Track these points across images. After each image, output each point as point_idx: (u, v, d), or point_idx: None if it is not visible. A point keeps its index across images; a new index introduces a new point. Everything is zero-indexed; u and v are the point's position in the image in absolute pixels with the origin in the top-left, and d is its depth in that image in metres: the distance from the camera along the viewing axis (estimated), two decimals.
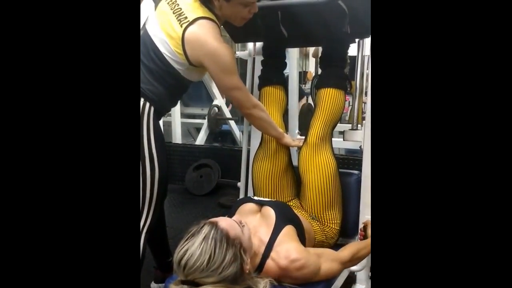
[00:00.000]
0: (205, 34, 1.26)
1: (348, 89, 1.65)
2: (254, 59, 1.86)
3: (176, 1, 1.32)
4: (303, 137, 1.61)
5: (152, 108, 1.33)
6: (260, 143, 1.67)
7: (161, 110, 1.40)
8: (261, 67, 1.76)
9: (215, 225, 0.98)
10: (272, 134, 1.56)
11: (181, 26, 1.26)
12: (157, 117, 1.36)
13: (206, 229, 0.97)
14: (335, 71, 1.61)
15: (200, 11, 1.28)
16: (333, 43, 1.61)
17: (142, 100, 1.31)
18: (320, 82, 1.64)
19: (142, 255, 1.40)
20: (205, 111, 4.06)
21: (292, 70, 2.05)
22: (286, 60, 1.83)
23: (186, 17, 1.27)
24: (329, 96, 1.57)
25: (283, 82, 1.74)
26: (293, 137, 1.62)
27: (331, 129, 1.58)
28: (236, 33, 1.28)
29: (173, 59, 1.30)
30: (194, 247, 0.94)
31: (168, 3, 1.34)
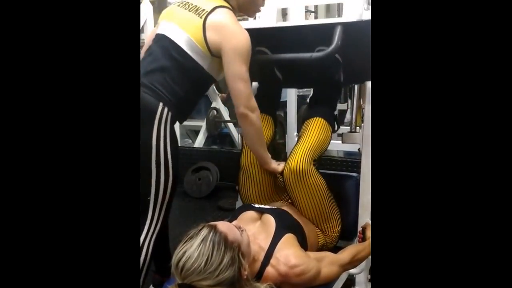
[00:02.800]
0: (226, 18, 1.31)
1: (336, 130, 1.60)
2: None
3: (187, 2, 1.36)
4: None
5: (170, 114, 1.31)
6: (240, 169, 1.55)
7: (178, 117, 1.38)
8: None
9: (213, 228, 0.98)
10: (259, 152, 1.44)
11: (201, 17, 1.30)
12: (172, 122, 1.34)
13: (204, 232, 0.97)
14: (325, 108, 1.57)
15: (216, 1, 1.34)
16: (326, 88, 1.62)
17: (160, 104, 1.29)
18: (308, 114, 1.59)
19: (149, 259, 1.39)
20: None
21: None
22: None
23: (204, 9, 1.32)
24: (317, 125, 1.51)
25: (273, 114, 1.68)
26: (277, 162, 1.49)
27: (314, 159, 1.45)
28: None
29: (197, 54, 1.31)
30: (192, 249, 0.93)
31: (179, 5, 1.38)
